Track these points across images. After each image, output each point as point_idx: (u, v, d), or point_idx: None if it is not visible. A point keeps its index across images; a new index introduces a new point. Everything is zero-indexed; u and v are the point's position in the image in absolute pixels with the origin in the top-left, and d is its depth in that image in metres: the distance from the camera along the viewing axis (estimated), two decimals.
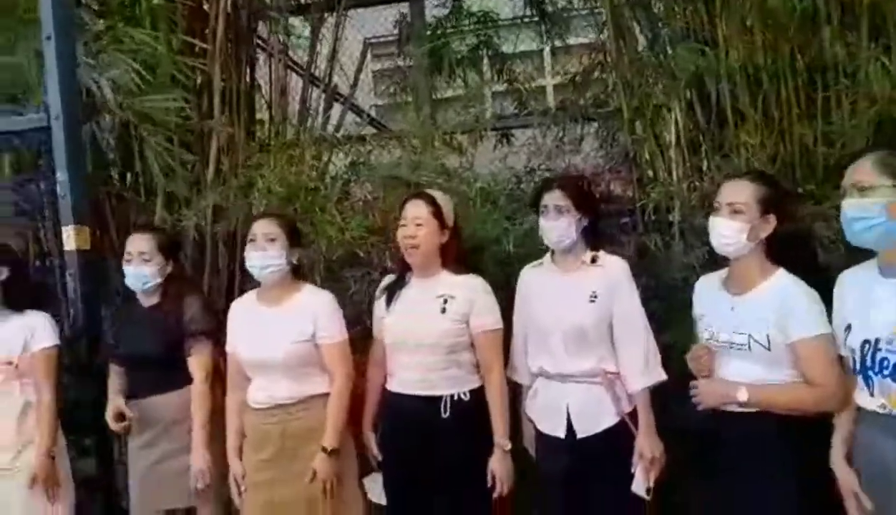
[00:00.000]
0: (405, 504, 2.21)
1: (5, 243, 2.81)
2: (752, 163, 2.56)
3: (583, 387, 2.08)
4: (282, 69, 3.88)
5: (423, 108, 3.97)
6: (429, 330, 2.12)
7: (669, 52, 3.00)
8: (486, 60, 4.83)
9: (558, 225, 2.09)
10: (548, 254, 2.23)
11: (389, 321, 2.22)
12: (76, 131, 2.74)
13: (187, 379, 2.36)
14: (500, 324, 2.19)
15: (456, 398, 2.12)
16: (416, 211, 2.17)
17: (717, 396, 1.86)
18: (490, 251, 2.60)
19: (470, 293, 2.15)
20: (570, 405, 2.08)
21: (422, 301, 2.17)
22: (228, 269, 3.19)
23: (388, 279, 2.32)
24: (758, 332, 1.80)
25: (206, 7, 3.43)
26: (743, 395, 1.79)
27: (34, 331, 2.41)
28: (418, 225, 2.15)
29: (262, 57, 3.94)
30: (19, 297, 2.46)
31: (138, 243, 2.40)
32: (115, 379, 2.45)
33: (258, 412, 2.22)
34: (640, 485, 2.01)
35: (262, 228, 2.24)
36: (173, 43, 3.13)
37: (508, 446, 2.13)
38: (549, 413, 2.13)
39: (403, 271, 2.27)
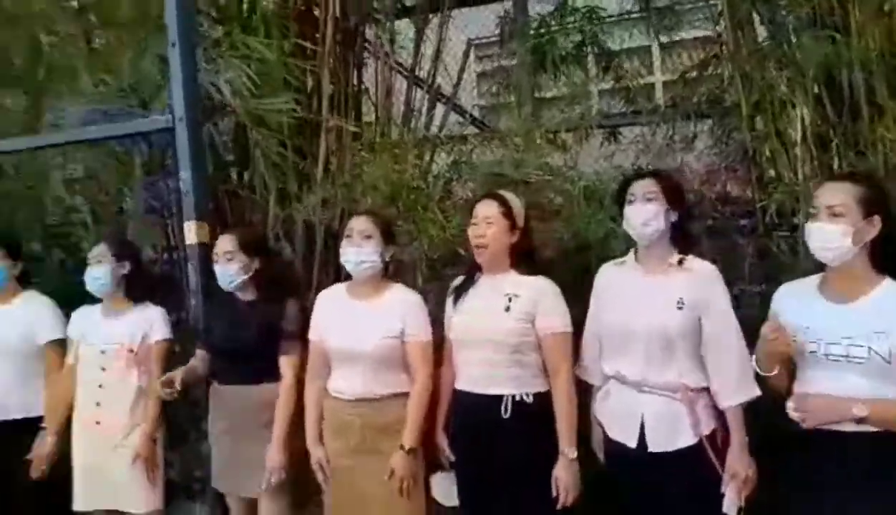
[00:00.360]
0: (474, 503, 2.20)
1: (128, 239, 3.05)
2: (892, 159, 2.33)
3: (661, 400, 1.97)
4: (387, 71, 3.98)
5: (526, 107, 3.92)
6: (492, 328, 2.11)
7: (794, 41, 2.79)
8: (591, 57, 4.70)
9: (645, 210, 1.99)
10: (631, 253, 2.13)
11: (456, 319, 2.23)
12: (198, 132, 2.92)
13: (272, 376, 2.44)
14: (568, 328, 2.14)
15: (518, 398, 2.09)
16: (487, 210, 2.17)
17: (829, 412, 1.70)
18: (595, 252, 2.51)
19: (536, 293, 2.12)
20: (645, 416, 1.98)
21: (488, 299, 2.16)
22: (336, 263, 3.28)
23: (459, 279, 2.33)
24: (878, 344, 1.65)
25: (315, 12, 3.58)
26: (862, 411, 1.64)
27: (152, 324, 2.61)
28: (488, 223, 2.15)
29: (368, 59, 4.05)
30: (139, 290, 2.67)
31: (222, 243, 2.51)
32: (196, 361, 2.57)
33: (340, 402, 2.28)
34: (731, 505, 1.90)
35: (359, 225, 2.30)
36: (285, 47, 3.27)
37: (574, 455, 2.07)
38: (621, 419, 2.04)
39: (473, 270, 2.27)
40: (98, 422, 2.54)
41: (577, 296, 2.24)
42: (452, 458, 2.26)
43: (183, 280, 3.36)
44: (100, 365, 2.55)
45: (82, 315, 2.69)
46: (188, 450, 3.22)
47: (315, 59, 3.43)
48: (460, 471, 2.24)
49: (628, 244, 2.26)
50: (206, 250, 2.86)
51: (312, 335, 2.38)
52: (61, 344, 2.73)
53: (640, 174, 2.12)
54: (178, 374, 2.42)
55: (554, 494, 2.05)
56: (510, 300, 2.10)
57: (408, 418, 2.20)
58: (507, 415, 2.06)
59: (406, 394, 2.24)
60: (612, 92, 4.93)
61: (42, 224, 3.75)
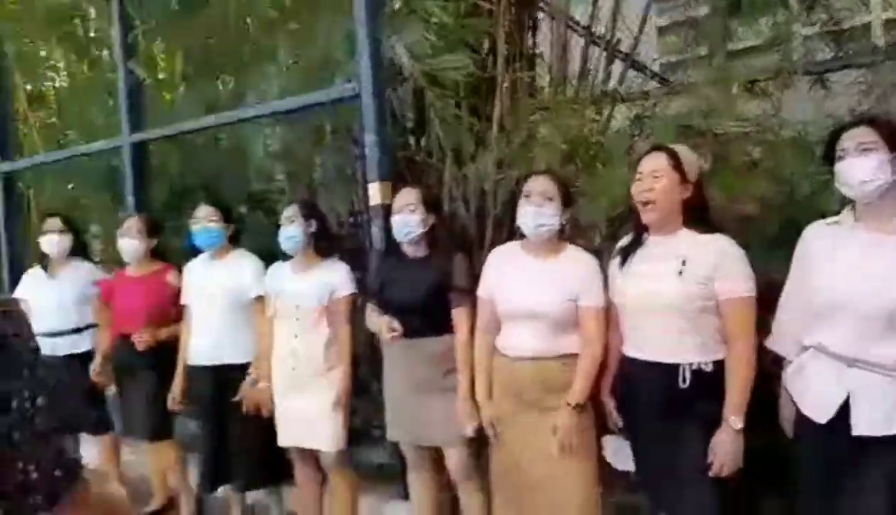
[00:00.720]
0: (647, 473, 2.11)
1: (313, 200, 3.27)
2: None
3: (877, 379, 1.69)
4: (562, 29, 3.85)
5: (717, 58, 3.58)
6: (664, 293, 1.96)
7: None
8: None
9: (865, 163, 1.70)
10: (846, 210, 1.83)
11: (623, 283, 2.10)
12: (382, 97, 3.04)
13: (444, 329, 2.49)
14: (751, 292, 1.92)
15: (696, 367, 1.94)
16: (654, 163, 2.00)
17: None
18: (802, 207, 2.23)
19: (713, 255, 1.94)
20: (853, 394, 1.71)
21: (658, 261, 2.01)
22: (510, 224, 3.27)
23: (624, 240, 2.18)
24: None
25: None
26: None
27: (339, 280, 2.78)
28: (655, 177, 1.98)
29: (543, 18, 3.94)
30: (326, 247, 2.85)
31: (404, 196, 2.57)
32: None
33: (510, 360, 2.26)
34: None
35: (540, 186, 2.23)
36: (461, 8, 3.28)
37: (740, 425, 1.89)
38: (819, 396, 1.79)
39: (640, 231, 2.11)
40: (294, 368, 2.77)
41: (779, 259, 2.00)
42: (620, 423, 2.19)
43: (366, 240, 3.57)
44: (294, 317, 2.77)
45: (276, 271, 2.92)
46: (370, 400, 3.45)
47: (491, 18, 3.40)
48: (632, 438, 2.16)
49: (844, 200, 1.98)
50: (388, 210, 3.00)
51: (482, 291, 2.39)
52: (266, 300, 2.98)
53: (853, 122, 1.81)
54: (391, 320, 2.53)
55: (709, 460, 1.91)
56: (683, 263, 1.95)
57: (577, 375, 2.16)
58: (685, 385, 1.93)
59: (576, 356, 2.20)
60: (820, 36, 4.35)
61: (246, 190, 4.16)
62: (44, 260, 3.52)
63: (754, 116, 2.69)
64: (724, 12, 3.72)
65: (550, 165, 2.79)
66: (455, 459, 2.50)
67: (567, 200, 2.27)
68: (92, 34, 4.85)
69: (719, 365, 1.94)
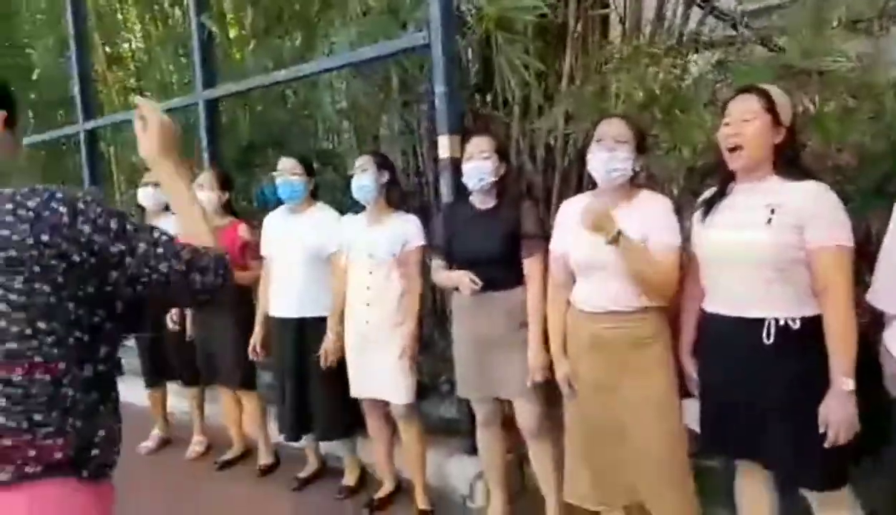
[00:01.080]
0: (720, 435, 1.99)
1: (383, 153, 3.24)
2: None
3: None
4: None
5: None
6: (750, 243, 1.83)
7: None
8: None
9: None
10: None
11: (706, 233, 1.97)
12: (452, 48, 2.95)
13: (517, 281, 2.43)
14: (847, 241, 1.75)
15: (782, 323, 1.80)
16: (744, 105, 1.86)
17: None
18: None
19: (805, 201, 1.78)
20: None
21: (745, 210, 1.87)
22: (578, 178, 3.19)
23: (709, 191, 2.03)
24: None
25: None
26: None
27: (410, 232, 2.76)
28: (745, 120, 1.84)
29: None
30: (397, 198, 2.85)
31: (478, 142, 2.50)
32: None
33: (586, 315, 2.18)
34: None
35: (613, 129, 2.11)
36: None
37: (851, 386, 1.72)
38: None
39: (726, 181, 1.96)
40: (367, 321, 2.78)
41: (880, 208, 1.86)
42: (698, 384, 2.08)
43: (431, 195, 3.54)
44: (367, 268, 2.77)
45: (349, 224, 2.93)
46: (436, 354, 3.47)
47: None
48: (706, 400, 2.05)
49: None
50: (458, 164, 2.96)
51: (554, 246, 2.30)
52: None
53: None
54: (467, 273, 2.48)
55: (822, 430, 1.77)
56: (772, 211, 1.80)
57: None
58: (770, 342, 1.81)
59: (657, 308, 2.08)
60: None
61: (314, 147, 4.20)
62: (142, 213, 3.67)
63: (858, 54, 2.49)
64: None
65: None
66: (527, 413, 2.48)
67: (641, 146, 2.14)
68: None
69: (807, 322, 1.80)
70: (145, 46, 5.31)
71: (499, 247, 2.44)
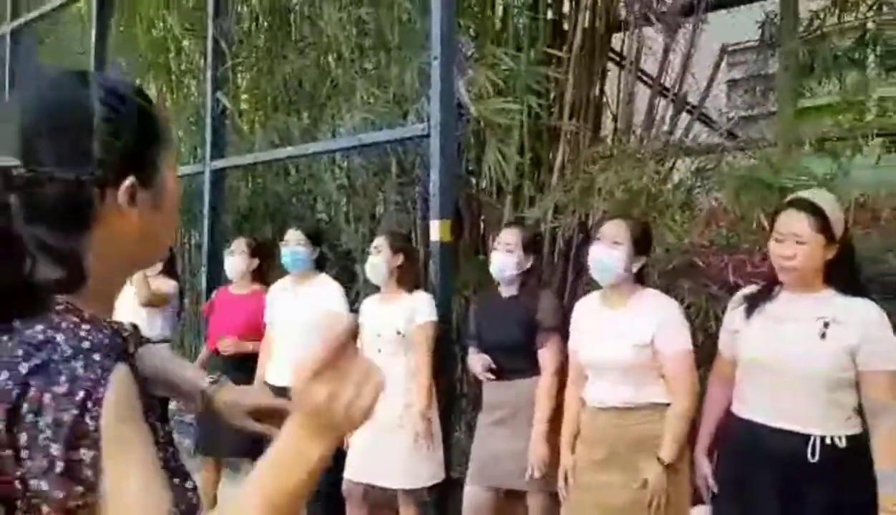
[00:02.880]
0: None
1: (404, 233, 3.34)
2: None
3: None
4: (631, 79, 3.91)
5: (786, 114, 3.57)
6: (805, 357, 1.79)
7: None
8: (873, 57, 4.11)
9: None
10: None
11: (749, 337, 1.92)
12: (451, 138, 3.12)
13: (539, 370, 2.45)
14: None
15: (829, 442, 1.77)
16: (797, 225, 1.80)
17: None
18: (868, 272, 2.19)
19: (860, 321, 1.76)
20: None
21: (795, 319, 1.83)
22: (563, 268, 3.31)
23: (751, 288, 2.04)
24: None
25: (565, 24, 3.66)
26: None
27: (419, 307, 2.76)
28: (799, 242, 1.79)
29: (612, 68, 4.02)
30: (409, 280, 2.86)
31: (506, 235, 2.59)
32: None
33: (594, 411, 2.20)
34: None
35: (609, 230, 2.18)
36: (532, 56, 3.39)
37: None
38: None
39: (772, 284, 1.93)
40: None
41: None
42: (715, 489, 2.02)
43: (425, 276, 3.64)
44: (376, 347, 2.76)
45: (366, 304, 2.96)
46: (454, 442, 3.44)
47: (561, 66, 3.50)
48: (722, 507, 2.00)
49: None
50: (447, 248, 3.09)
51: (571, 343, 2.34)
52: None
53: None
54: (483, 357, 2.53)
55: None
56: (825, 325, 1.77)
57: (667, 431, 2.05)
58: (816, 459, 1.76)
59: (664, 406, 2.09)
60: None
61: (315, 220, 4.34)
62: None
63: (823, 175, 2.67)
64: (795, 71, 3.72)
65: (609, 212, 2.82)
66: (535, 503, 2.46)
67: (641, 247, 2.18)
68: (183, 67, 5.22)
69: (852, 441, 1.78)
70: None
71: (516, 335, 2.49)
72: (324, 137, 3.82)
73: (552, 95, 3.78)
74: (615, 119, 3.98)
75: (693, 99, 4.25)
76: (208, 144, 4.09)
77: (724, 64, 4.74)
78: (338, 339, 0.65)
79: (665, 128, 3.90)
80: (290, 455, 0.64)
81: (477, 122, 3.27)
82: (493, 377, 2.50)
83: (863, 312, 1.78)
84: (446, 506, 2.91)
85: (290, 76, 4.24)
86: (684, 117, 4.16)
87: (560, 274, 3.36)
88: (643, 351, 2.10)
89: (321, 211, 4.42)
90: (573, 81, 3.62)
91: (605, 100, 4.05)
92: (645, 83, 4.24)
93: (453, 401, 3.07)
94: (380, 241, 2.88)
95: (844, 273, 1.83)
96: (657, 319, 2.12)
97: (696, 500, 2.13)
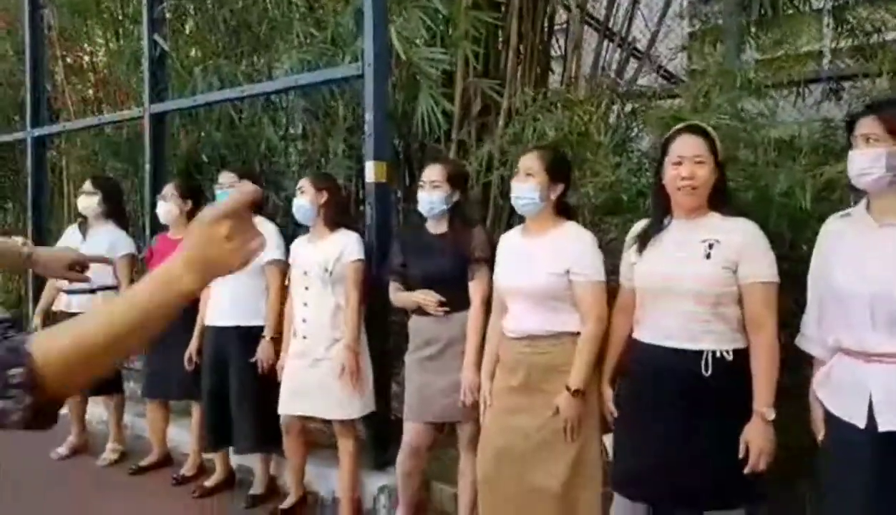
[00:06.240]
0: (636, 465, 2.00)
1: (327, 173, 3.35)
2: None
3: (893, 370, 1.65)
4: (578, 24, 3.88)
5: (728, 59, 3.57)
6: (691, 276, 1.90)
7: None
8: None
9: (866, 155, 1.68)
10: (861, 203, 1.80)
11: (643, 267, 2.02)
12: (384, 79, 3.11)
13: (466, 305, 2.50)
14: (775, 278, 1.88)
15: (718, 355, 1.88)
16: (695, 147, 1.92)
17: None
18: (778, 204, 2.22)
19: (741, 238, 1.89)
20: (873, 391, 1.66)
21: (683, 244, 1.94)
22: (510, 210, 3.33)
23: (642, 223, 2.12)
24: None
25: None
26: None
27: (347, 247, 2.81)
28: (699, 162, 1.90)
29: (559, 11, 3.99)
30: (334, 218, 2.89)
31: (430, 172, 2.61)
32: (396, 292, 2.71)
33: (511, 340, 2.26)
34: None
35: (523, 162, 2.25)
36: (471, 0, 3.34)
37: (772, 416, 1.84)
38: (845, 396, 1.73)
39: (663, 214, 2.04)
40: (305, 337, 2.81)
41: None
42: (615, 414, 2.12)
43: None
44: (303, 284, 2.83)
45: (295, 243, 3.00)
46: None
47: (500, 11, 3.45)
48: (624, 430, 2.09)
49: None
50: (383, 189, 3.09)
51: (495, 275, 2.38)
52: (278, 265, 3.05)
53: (865, 110, 1.78)
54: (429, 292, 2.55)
55: (741, 455, 1.86)
56: (710, 246, 1.89)
57: (576, 358, 2.12)
58: (708, 373, 1.87)
59: (576, 334, 2.16)
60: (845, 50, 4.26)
61: (262, 167, 4.29)
62: (81, 221, 3.71)
63: (749, 115, 2.69)
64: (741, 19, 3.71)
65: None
66: (465, 433, 2.53)
67: (556, 175, 2.22)
68: (128, 10, 5.07)
69: (738, 354, 1.89)
70: (106, 60, 5.40)
71: (449, 270, 2.52)
72: (264, 81, 3.74)
73: (499, 42, 3.77)
74: (564, 62, 3.97)
75: (643, 46, 4.27)
76: (147, 87, 4.00)
77: (685, 17, 4.74)
78: (244, 197, 0.76)
79: (611, 74, 3.91)
80: (167, 276, 0.74)
81: (409, 67, 3.23)
82: (445, 310, 2.51)
83: (742, 230, 1.90)
84: (387, 444, 2.99)
85: (229, 19, 4.14)
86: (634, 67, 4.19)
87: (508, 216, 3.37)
88: (558, 279, 2.15)
89: (271, 158, 4.35)
90: (517, 27, 3.59)
91: (551, 47, 4.04)
92: (594, 28, 4.24)
93: (388, 338, 3.09)
94: (303, 182, 2.91)
95: (723, 196, 1.97)
96: (573, 249, 2.18)
97: (608, 428, 2.19)
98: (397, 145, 3.63)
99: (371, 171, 3.06)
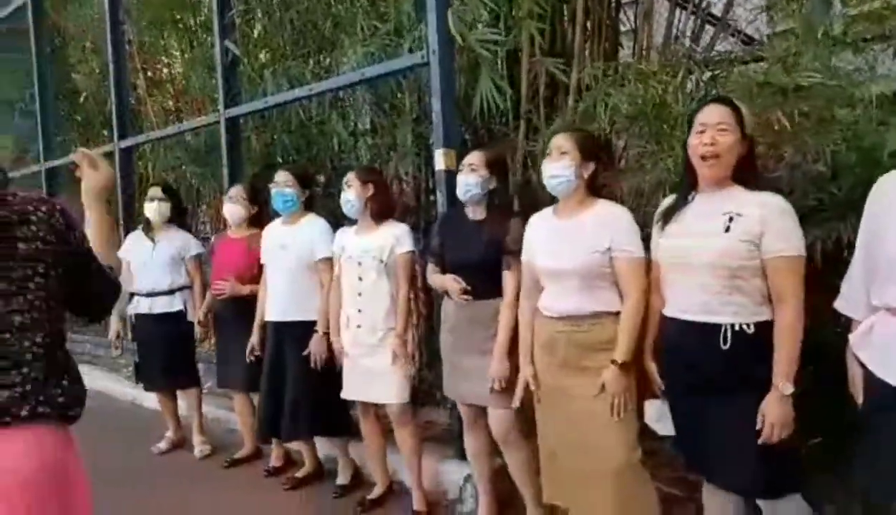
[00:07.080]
0: (688, 435, 2.02)
1: (372, 166, 3.35)
2: None
3: None
4: None
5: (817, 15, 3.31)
6: (707, 249, 1.87)
7: None
8: None
9: None
10: None
11: (666, 241, 2.03)
12: (449, 65, 3.07)
13: (499, 292, 2.50)
14: (800, 251, 1.83)
15: (738, 328, 1.85)
16: (719, 115, 1.90)
17: None
18: (887, 165, 2.04)
19: (763, 211, 1.84)
20: None
21: (704, 217, 1.92)
22: None
23: (669, 199, 2.08)
24: None
25: None
26: None
27: (398, 239, 2.85)
28: (721, 130, 1.88)
29: None
30: (380, 210, 2.92)
31: (470, 157, 2.60)
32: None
33: (548, 319, 2.26)
34: None
35: (556, 141, 2.25)
36: None
37: (789, 391, 1.79)
38: (889, 356, 1.62)
39: (688, 189, 2.00)
40: (359, 326, 2.88)
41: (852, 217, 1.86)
42: (663, 387, 2.11)
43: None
44: (357, 275, 2.88)
45: (342, 234, 3.05)
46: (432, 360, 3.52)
47: None
48: (673, 401, 2.08)
49: None
50: (453, 176, 3.05)
51: (524, 256, 2.39)
52: (331, 261, 3.11)
53: None
54: (455, 278, 2.60)
55: (758, 427, 1.81)
56: (730, 219, 1.86)
57: (620, 333, 2.12)
58: (727, 347, 1.85)
59: (616, 313, 2.15)
60: None
61: (332, 164, 4.36)
62: (147, 225, 3.88)
63: (845, 71, 2.48)
64: None
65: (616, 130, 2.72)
66: (495, 419, 2.53)
67: (588, 154, 2.22)
68: (200, 19, 5.25)
69: (761, 328, 1.85)
70: (183, 71, 5.63)
71: (482, 256, 2.52)
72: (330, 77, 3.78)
73: (565, 19, 3.66)
74: (635, 34, 3.81)
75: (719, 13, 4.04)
76: (221, 93, 4.12)
77: None
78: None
79: (686, 42, 3.72)
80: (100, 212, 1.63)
81: (471, 51, 3.17)
82: (469, 298, 2.54)
83: (765, 203, 1.85)
84: None
85: (295, 20, 4.20)
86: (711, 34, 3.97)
87: None
88: (601, 257, 2.14)
89: (341, 154, 4.41)
90: (583, 3, 3.47)
91: (620, 21, 3.89)
92: None
93: None
94: (349, 176, 2.94)
95: (750, 169, 1.94)
96: (614, 227, 2.15)
97: (650, 394, 2.17)
98: (463, 131, 3.58)
99: (440, 159, 3.03)
